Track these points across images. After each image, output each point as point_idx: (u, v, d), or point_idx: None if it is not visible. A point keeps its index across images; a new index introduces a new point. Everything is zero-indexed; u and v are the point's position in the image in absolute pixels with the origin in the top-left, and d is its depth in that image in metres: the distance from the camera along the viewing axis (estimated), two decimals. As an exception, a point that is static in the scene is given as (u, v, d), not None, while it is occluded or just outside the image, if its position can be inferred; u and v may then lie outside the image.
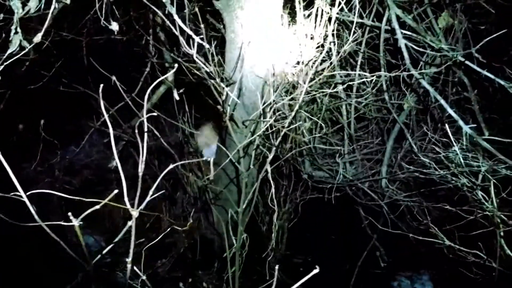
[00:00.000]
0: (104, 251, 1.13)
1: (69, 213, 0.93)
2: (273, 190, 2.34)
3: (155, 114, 1.36)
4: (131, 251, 1.01)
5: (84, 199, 1.03)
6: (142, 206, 1.03)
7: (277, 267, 1.11)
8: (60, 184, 3.28)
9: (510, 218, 1.90)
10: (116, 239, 1.13)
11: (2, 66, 1.38)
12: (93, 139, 3.85)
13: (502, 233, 1.93)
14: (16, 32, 1.41)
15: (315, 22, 2.62)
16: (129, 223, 1.08)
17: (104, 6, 1.87)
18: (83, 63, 3.28)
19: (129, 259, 1.03)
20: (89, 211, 0.95)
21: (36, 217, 0.93)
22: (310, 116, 2.79)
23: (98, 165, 3.85)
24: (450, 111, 2.33)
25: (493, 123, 3.02)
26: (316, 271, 0.98)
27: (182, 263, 3.49)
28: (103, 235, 3.63)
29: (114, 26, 1.78)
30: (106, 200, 0.97)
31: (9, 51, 1.43)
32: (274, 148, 2.35)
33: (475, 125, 2.39)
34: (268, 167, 2.42)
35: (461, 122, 2.26)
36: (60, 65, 3.15)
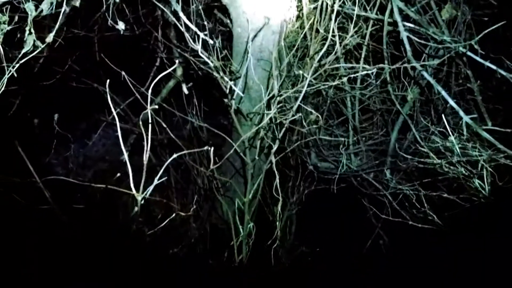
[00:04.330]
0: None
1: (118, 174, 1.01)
2: (277, 180, 2.43)
3: (156, 107, 1.45)
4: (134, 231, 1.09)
5: (93, 184, 1.12)
6: (147, 191, 1.12)
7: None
8: (74, 177, 3.39)
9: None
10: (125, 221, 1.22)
11: (18, 65, 1.48)
12: (108, 133, 3.97)
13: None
14: (30, 33, 1.51)
15: (320, 16, 2.68)
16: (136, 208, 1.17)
17: (112, 5, 1.95)
18: (95, 59, 3.38)
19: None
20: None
21: (50, 200, 1.03)
22: (313, 111, 2.85)
23: (112, 158, 3.97)
24: (451, 102, 2.37)
25: (498, 114, 3.05)
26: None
27: (193, 252, 3.59)
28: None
29: (121, 26, 1.86)
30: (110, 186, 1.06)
31: (23, 51, 1.52)
32: (278, 140, 2.42)
33: (476, 115, 2.43)
34: (272, 158, 2.50)
35: (461, 113, 2.30)
36: (73, 61, 3.25)
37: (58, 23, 1.54)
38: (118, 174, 1.10)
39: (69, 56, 3.23)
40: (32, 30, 1.50)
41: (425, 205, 2.53)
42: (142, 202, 1.17)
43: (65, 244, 2.65)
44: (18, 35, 1.62)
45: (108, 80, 1.30)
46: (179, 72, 3.38)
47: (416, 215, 2.80)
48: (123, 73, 2.03)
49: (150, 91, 1.35)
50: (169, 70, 1.58)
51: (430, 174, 2.75)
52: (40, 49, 1.53)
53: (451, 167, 2.28)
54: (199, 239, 3.62)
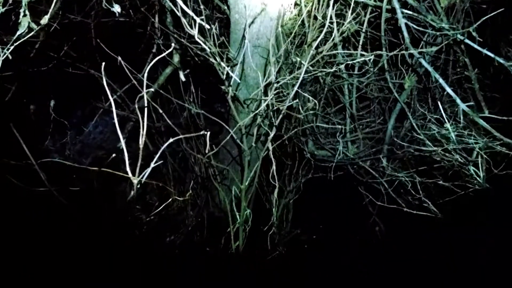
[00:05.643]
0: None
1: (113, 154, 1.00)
2: (274, 167, 2.43)
3: (152, 90, 1.45)
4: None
5: (89, 168, 1.12)
6: (143, 175, 1.12)
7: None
8: (71, 163, 3.39)
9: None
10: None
11: (12, 47, 1.47)
12: (105, 120, 3.97)
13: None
14: (24, 15, 1.49)
15: (318, 2, 2.67)
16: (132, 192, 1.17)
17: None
18: (92, 45, 3.37)
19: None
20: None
21: (46, 182, 1.03)
22: (311, 97, 2.84)
23: (109, 145, 3.97)
24: (448, 89, 2.37)
25: (495, 102, 3.06)
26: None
27: (190, 240, 3.61)
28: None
29: (116, 8, 1.85)
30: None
31: (18, 33, 1.51)
32: (274, 127, 2.42)
33: (473, 103, 2.44)
34: (269, 145, 2.50)
35: (458, 100, 2.30)
36: (69, 47, 3.24)
37: (53, 5, 1.53)
38: (113, 155, 1.10)
39: (66, 42, 3.22)
40: (27, 12, 1.48)
41: (421, 192, 2.56)
42: (138, 186, 1.17)
43: (61, 229, 2.66)
44: (13, 18, 1.61)
45: (103, 63, 1.29)
46: (176, 59, 3.36)
47: (411, 202, 2.82)
48: (119, 58, 2.02)
49: (145, 75, 1.34)
50: (165, 53, 1.57)
51: (426, 161, 2.77)
52: (34, 31, 1.51)
53: (447, 155, 2.29)
54: (196, 227, 3.64)
